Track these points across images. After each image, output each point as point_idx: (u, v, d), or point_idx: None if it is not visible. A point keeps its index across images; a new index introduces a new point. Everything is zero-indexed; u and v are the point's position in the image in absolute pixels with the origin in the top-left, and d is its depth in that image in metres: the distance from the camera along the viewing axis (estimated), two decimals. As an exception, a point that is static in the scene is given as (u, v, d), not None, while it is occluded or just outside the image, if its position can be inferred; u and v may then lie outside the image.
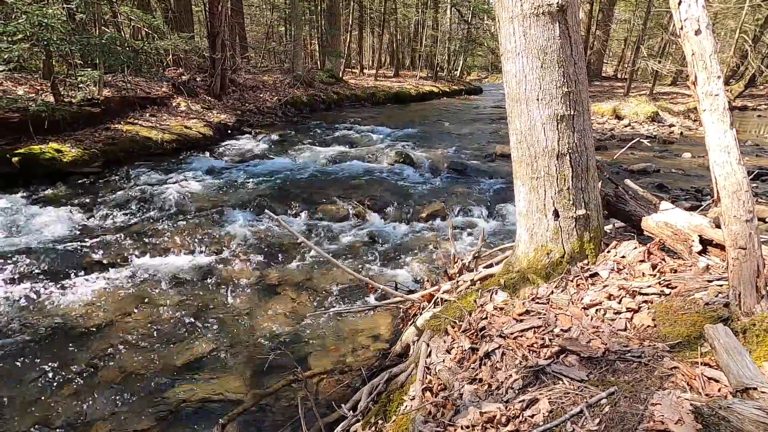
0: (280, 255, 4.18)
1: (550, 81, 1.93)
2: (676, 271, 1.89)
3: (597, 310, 1.74)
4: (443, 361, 1.85)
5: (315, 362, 2.84)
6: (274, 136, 8.97)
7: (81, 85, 6.81)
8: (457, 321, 2.04)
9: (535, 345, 1.64)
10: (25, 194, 5.28)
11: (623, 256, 2.04)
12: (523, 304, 1.91)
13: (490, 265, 2.71)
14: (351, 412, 1.93)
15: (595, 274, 1.97)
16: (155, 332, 3.05)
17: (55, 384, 2.57)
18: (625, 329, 1.60)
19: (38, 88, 7.13)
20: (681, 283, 1.77)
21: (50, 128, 6.25)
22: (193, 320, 3.21)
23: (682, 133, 10.92)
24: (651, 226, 2.22)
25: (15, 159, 5.65)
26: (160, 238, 4.31)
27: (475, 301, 2.11)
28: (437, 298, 2.62)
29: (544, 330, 1.72)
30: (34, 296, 3.37)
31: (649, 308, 1.68)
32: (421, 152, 7.85)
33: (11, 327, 3.02)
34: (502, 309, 1.98)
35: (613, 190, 2.48)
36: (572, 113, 1.98)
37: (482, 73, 34.28)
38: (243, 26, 15.29)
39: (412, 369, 2.08)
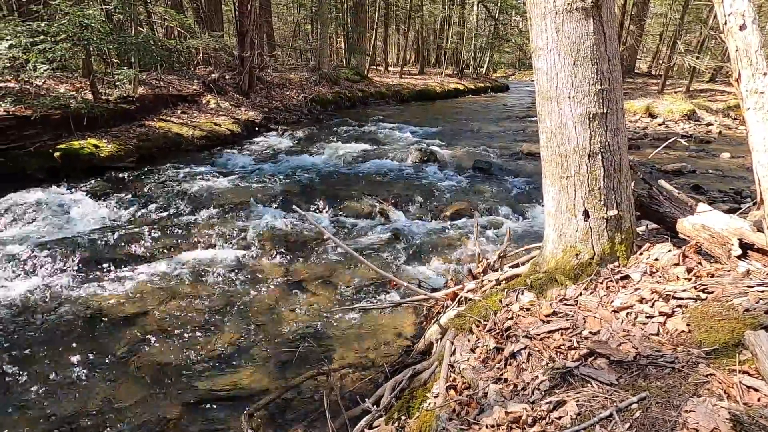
0: (304, 250, 4.24)
1: (582, 78, 1.89)
2: (713, 276, 1.82)
3: (628, 313, 1.70)
4: (467, 359, 1.84)
5: (338, 357, 2.88)
6: (300, 134, 9.09)
7: (118, 83, 7.07)
8: (482, 320, 2.03)
9: (562, 347, 1.62)
10: (65, 187, 5.53)
11: (656, 259, 1.98)
12: (550, 305, 1.88)
13: (516, 265, 2.68)
14: (374, 407, 1.95)
15: (626, 277, 1.91)
16: (186, 323, 3.16)
17: (91, 369, 2.70)
18: (657, 334, 1.56)
19: (78, 86, 7.45)
20: (718, 287, 1.70)
21: (89, 124, 6.53)
22: (221, 312, 3.30)
23: (720, 132, 10.45)
24: (687, 229, 2.14)
25: (57, 154, 5.93)
26: (190, 232, 4.45)
27: (500, 300, 2.09)
28: (461, 296, 2.61)
29: (571, 332, 1.69)
30: (72, 285, 3.53)
31: (683, 313, 1.63)
32: (445, 150, 7.80)
33: (50, 314, 3.18)
34: (528, 309, 1.96)
35: (647, 191, 2.40)
36: (605, 111, 1.93)
37: (509, 71, 33.70)
38: (271, 25, 15.53)
39: (436, 367, 2.08)
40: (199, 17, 11.31)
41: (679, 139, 4.19)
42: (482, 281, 2.64)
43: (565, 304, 1.88)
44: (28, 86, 6.57)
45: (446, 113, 13.30)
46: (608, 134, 1.94)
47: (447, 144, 8.40)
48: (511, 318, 1.94)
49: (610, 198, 1.98)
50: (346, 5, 17.58)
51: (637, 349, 1.47)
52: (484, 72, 24.41)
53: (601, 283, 1.93)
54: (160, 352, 2.88)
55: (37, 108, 6.02)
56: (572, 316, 1.78)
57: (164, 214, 4.98)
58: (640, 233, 2.22)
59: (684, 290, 1.72)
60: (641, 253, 2.02)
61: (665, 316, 1.63)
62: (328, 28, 15.63)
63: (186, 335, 3.04)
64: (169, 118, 8.04)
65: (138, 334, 3.03)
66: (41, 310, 3.21)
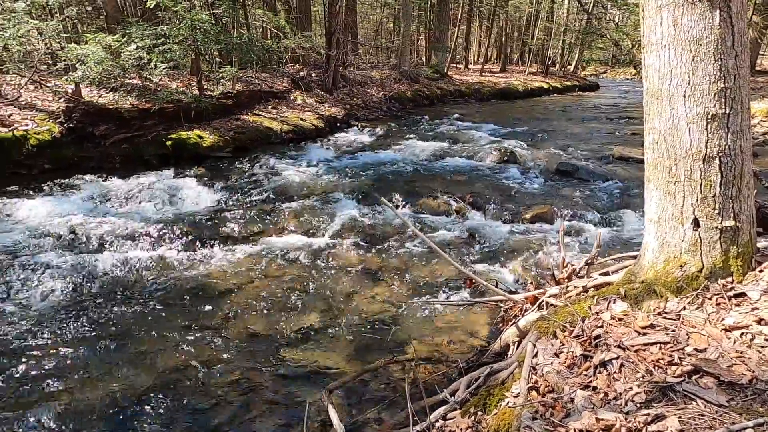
0: (381, 242, 4.37)
1: (702, 75, 1.74)
2: None
3: (742, 333, 1.55)
4: (551, 363, 1.80)
5: (411, 348, 2.94)
6: (379, 130, 9.30)
7: (222, 81, 7.78)
8: (567, 325, 1.97)
9: (661, 361, 1.52)
10: (173, 172, 6.23)
11: (780, 278, 1.77)
12: (648, 317, 1.77)
13: (606, 273, 2.54)
14: (451, 397, 1.98)
15: (742, 294, 1.74)
16: (272, 300, 3.43)
17: (191, 332, 3.03)
18: (779, 359, 1.40)
19: (187, 83, 8.34)
20: None
21: (195, 117, 7.29)
22: (303, 294, 3.53)
23: None
24: (821, 247, 1.88)
25: (168, 143, 6.71)
26: (278, 218, 4.79)
27: (589, 307, 2.01)
28: (542, 301, 2.54)
29: (672, 347, 1.58)
30: (178, 258, 3.99)
31: (813, 340, 1.45)
32: (526, 151, 7.52)
33: (155, 284, 3.62)
34: (621, 320, 1.86)
35: (771, 202, 2.15)
36: (727, 111, 1.76)
37: (600, 68, 31.32)
38: (356, 24, 16.02)
39: (515, 368, 2.06)
40: (291, 18, 12.03)
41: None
42: (567, 287, 2.55)
43: (665, 318, 1.75)
44: (148, 83, 7.50)
45: (528, 113, 12.77)
46: (729, 137, 1.76)
47: (528, 145, 8.08)
48: (601, 326, 1.86)
49: (727, 207, 1.80)
50: (429, 2, 17.54)
51: (753, 372, 1.34)
52: (571, 70, 22.97)
53: (710, 298, 1.77)
54: (251, 324, 3.16)
55: (155, 102, 6.85)
56: (673, 330, 1.67)
57: (255, 200, 5.41)
58: (761, 249, 1.99)
59: (815, 315, 1.53)
60: (762, 270, 1.81)
61: (790, 342, 1.46)
62: (411, 26, 15.74)
63: (272, 311, 3.30)
64: (260, 112, 8.68)
65: (232, 306, 3.35)
66: (153, 278, 3.68)
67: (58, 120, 6.24)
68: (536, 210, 5.02)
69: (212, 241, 4.27)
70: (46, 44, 7.48)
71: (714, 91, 1.74)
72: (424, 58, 18.48)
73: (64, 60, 6.66)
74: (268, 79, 10.23)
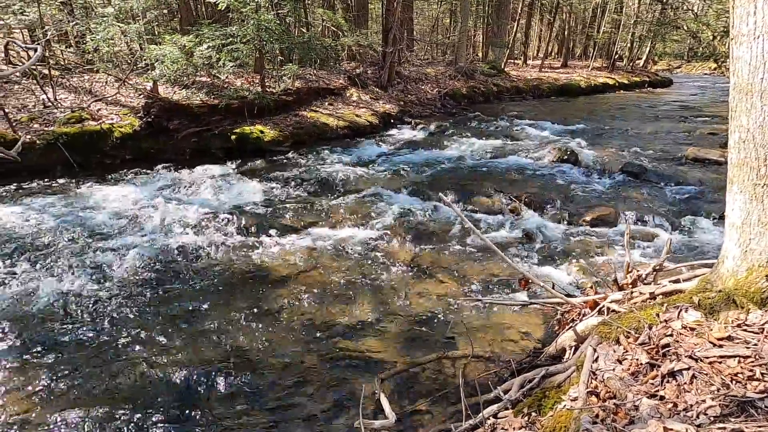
0: (433, 239, 4.38)
1: (801, 68, 1.58)
2: None
3: (838, 352, 1.40)
4: (613, 369, 1.73)
5: (462, 345, 2.93)
6: (432, 127, 9.26)
7: (283, 78, 8.11)
8: (632, 332, 1.88)
9: (739, 375, 1.42)
10: (237, 165, 6.60)
11: None
12: (725, 328, 1.65)
13: (676, 281, 2.39)
14: (505, 395, 1.97)
15: (839, 311, 1.57)
16: (326, 290, 3.55)
17: (248, 318, 3.21)
18: None
19: (250, 80, 8.77)
20: None
21: (257, 113, 7.65)
22: (355, 285, 3.62)
23: None
24: None
25: (233, 137, 7.11)
26: (331, 212, 4.94)
27: (657, 315, 1.90)
28: (603, 306, 2.44)
29: (753, 361, 1.47)
30: (237, 245, 4.23)
31: None
32: (588, 150, 7.16)
33: (218, 268, 3.86)
34: (693, 329, 1.75)
35: None
36: (830, 108, 1.59)
37: (674, 62, 28.96)
38: (412, 20, 15.99)
39: (572, 371, 2.00)
40: (349, 16, 12.25)
41: None
42: (631, 293, 2.42)
43: (746, 330, 1.63)
44: (216, 80, 7.98)
45: (591, 110, 12.13)
46: (831, 136, 1.59)
47: (590, 144, 7.70)
48: (671, 335, 1.76)
49: (825, 213, 1.63)
50: (488, -3, 17.13)
51: None
52: (641, 64, 21.46)
53: (800, 313, 1.62)
54: (305, 311, 3.30)
55: (222, 98, 7.28)
56: (755, 344, 1.54)
57: (311, 193, 5.61)
58: None
59: None
60: None
61: None
62: (468, 21, 15.45)
63: (326, 300, 3.42)
64: (318, 109, 8.94)
65: (288, 292, 3.51)
66: (216, 262, 3.94)
67: (138, 115, 6.82)
68: (597, 212, 4.79)
69: (270, 231, 4.49)
70: (128, 45, 8.18)
71: (815, 86, 1.58)
72: (480, 54, 18.09)
73: (145, 59, 7.26)
74: (325, 76, 10.50)
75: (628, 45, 20.68)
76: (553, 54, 22.95)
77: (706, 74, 26.24)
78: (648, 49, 21.15)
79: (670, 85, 19.77)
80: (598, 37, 19.71)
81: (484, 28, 18.20)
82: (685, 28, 19.11)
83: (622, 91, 17.03)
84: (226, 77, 8.33)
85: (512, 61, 18.91)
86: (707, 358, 1.55)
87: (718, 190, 5.11)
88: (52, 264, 3.76)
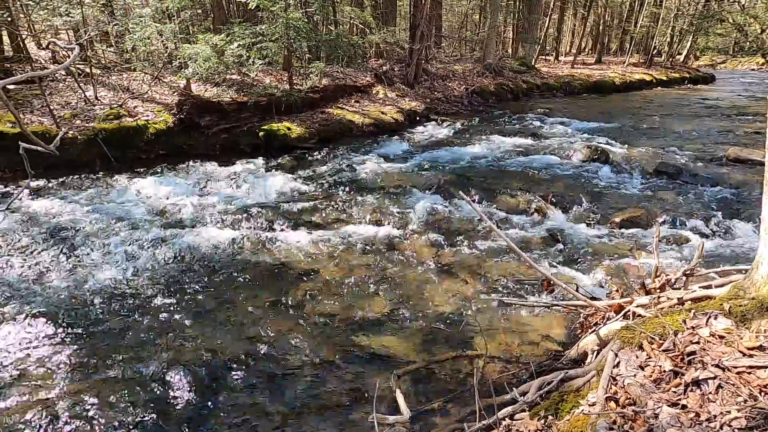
0: (455, 238, 4.34)
1: None
2: None
3: None
4: (634, 375, 1.69)
5: (481, 344, 2.91)
6: (458, 125, 9.17)
7: (311, 75, 8.21)
8: (656, 338, 1.82)
9: (769, 387, 1.36)
10: (264, 161, 6.74)
11: None
12: (757, 337, 1.58)
13: (708, 287, 2.29)
14: (522, 397, 1.95)
15: None
16: (346, 285, 3.59)
17: (269, 311, 3.28)
18: None
19: (279, 78, 8.93)
20: None
21: (285, 110, 7.79)
22: (376, 281, 3.65)
23: None
24: None
25: (261, 133, 7.26)
26: (354, 208, 4.98)
27: (683, 321, 1.83)
28: (629, 310, 2.37)
29: (785, 373, 1.40)
30: (261, 239, 4.31)
31: None
32: (620, 149, 6.93)
33: (242, 260, 3.95)
34: (722, 337, 1.68)
35: None
36: None
37: (717, 57, 27.49)
38: (440, 17, 15.85)
39: (593, 376, 1.96)
40: (377, 13, 12.26)
41: None
42: (658, 297, 2.34)
43: (779, 341, 1.55)
44: (246, 78, 8.17)
45: (625, 108, 11.70)
46: None
47: (623, 143, 7.43)
48: (697, 342, 1.69)
49: None
50: (519, -8, 16.77)
51: None
52: (681, 60, 20.50)
53: (840, 324, 1.53)
54: (325, 305, 3.34)
55: (251, 96, 7.45)
56: (788, 355, 1.47)
57: (335, 189, 5.67)
58: None
59: None
60: None
61: None
62: (498, 17, 15.18)
63: (346, 296, 3.46)
64: (344, 106, 9.01)
65: (309, 287, 3.57)
66: (240, 254, 4.04)
67: (172, 112, 7.07)
68: (628, 213, 4.63)
69: (294, 226, 4.57)
70: (164, 44, 8.47)
71: None
72: (510, 50, 17.75)
73: (178, 58, 7.51)
74: (352, 73, 10.56)
75: (668, 40, 19.78)
76: (586, 50, 22.24)
77: (752, 70, 24.81)
78: (689, 43, 20.17)
79: (712, 82, 18.82)
80: (635, 31, 18.97)
81: (515, 24, 17.83)
82: (731, 21, 18.09)
83: (659, 88, 16.34)
84: (256, 75, 8.50)
85: (544, 57, 18.45)
86: (735, 367, 1.48)
87: (760, 193, 4.84)
88: (90, 253, 3.96)
